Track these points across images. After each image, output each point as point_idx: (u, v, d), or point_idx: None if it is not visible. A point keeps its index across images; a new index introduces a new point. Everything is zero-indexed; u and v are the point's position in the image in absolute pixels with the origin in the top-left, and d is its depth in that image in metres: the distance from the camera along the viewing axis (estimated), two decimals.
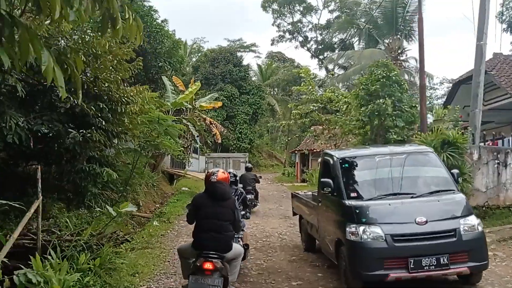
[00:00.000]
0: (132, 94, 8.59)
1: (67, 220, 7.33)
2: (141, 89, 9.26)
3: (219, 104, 21.24)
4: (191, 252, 4.74)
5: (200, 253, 4.52)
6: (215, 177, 4.90)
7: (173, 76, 19.63)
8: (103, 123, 8.01)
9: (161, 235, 9.77)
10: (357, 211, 5.61)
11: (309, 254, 8.10)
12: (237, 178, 7.10)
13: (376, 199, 5.88)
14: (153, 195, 15.37)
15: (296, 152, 32.02)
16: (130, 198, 11.29)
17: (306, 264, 7.44)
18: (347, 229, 5.52)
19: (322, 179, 6.55)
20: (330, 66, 40.73)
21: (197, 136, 20.48)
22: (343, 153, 7.09)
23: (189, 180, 22.10)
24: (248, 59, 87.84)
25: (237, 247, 4.97)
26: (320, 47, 48.68)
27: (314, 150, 28.62)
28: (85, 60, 7.20)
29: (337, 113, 19.37)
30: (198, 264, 4.40)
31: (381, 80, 14.36)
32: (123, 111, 8.39)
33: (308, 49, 49.97)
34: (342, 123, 17.49)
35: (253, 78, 46.37)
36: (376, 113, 14.19)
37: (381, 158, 6.58)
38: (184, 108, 19.37)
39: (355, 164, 6.56)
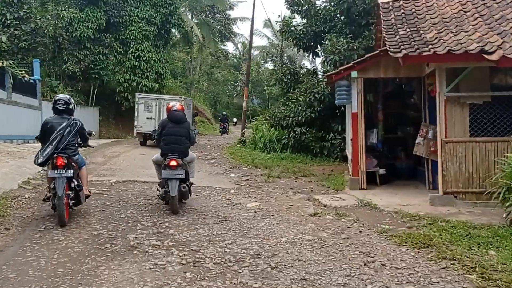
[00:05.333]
0: None
1: None
2: None
3: None
4: (161, 160, 7.05)
5: (166, 157, 6.88)
6: (175, 108, 7.19)
7: None
8: None
9: None
10: None
11: None
12: (71, 106, 6.46)
13: None
14: None
15: (340, 74, 9.04)
16: None
17: None
18: None
19: None
20: None
21: None
22: None
23: None
24: None
25: (192, 154, 7.39)
26: None
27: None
28: None
29: None
30: (166, 163, 6.74)
31: None
32: None
33: None
34: None
35: None
36: None
37: None
38: None
39: None
